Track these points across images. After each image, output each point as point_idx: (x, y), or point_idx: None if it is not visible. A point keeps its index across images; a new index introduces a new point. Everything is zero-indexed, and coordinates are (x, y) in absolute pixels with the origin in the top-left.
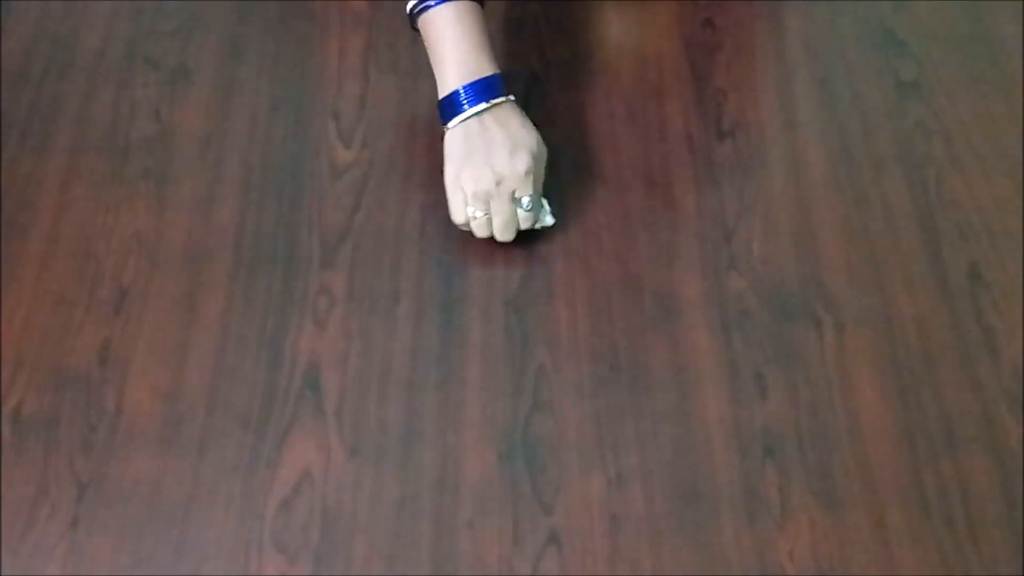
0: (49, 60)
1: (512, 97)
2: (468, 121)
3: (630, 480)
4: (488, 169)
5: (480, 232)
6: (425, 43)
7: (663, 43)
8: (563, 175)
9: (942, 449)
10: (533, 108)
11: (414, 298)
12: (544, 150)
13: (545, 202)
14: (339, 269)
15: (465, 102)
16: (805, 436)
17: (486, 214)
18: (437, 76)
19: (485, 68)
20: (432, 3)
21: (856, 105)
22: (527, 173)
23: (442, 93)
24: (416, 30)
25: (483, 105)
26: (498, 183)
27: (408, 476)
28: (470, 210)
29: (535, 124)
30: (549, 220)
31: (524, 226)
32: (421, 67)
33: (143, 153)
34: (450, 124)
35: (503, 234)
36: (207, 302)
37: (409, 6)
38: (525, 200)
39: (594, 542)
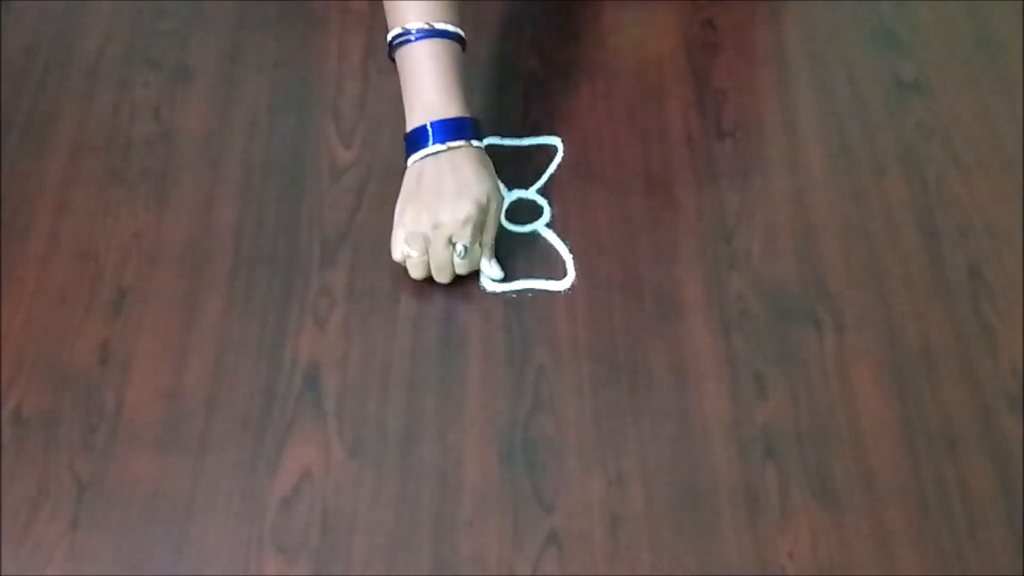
0: (49, 60)
1: (479, 144)
2: (426, 160)
3: (630, 480)
4: (428, 211)
5: (414, 272)
6: (400, 76)
7: (663, 43)
8: (563, 175)
9: (942, 449)
10: (533, 108)
11: (414, 298)
12: (497, 201)
13: (493, 258)
14: (339, 269)
15: (430, 138)
16: (805, 436)
17: (422, 255)
18: (407, 110)
19: (456, 109)
20: (412, 38)
21: (856, 105)
22: (466, 221)
23: (409, 127)
24: (393, 60)
25: (445, 145)
26: (435, 227)
27: (408, 476)
28: (405, 248)
29: (536, 122)
30: (495, 274)
31: (461, 271)
32: None
33: (143, 153)
34: (411, 159)
35: (438, 276)
36: (207, 302)
37: (389, 37)
38: (459, 247)
39: (594, 542)
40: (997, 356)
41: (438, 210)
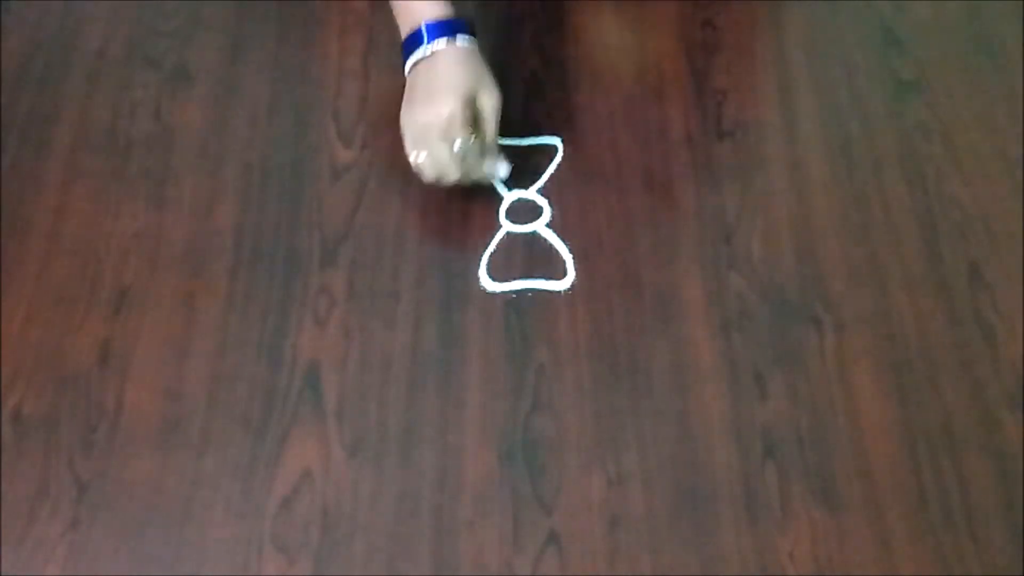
0: (49, 60)
1: (471, 41)
2: (418, 65)
3: (630, 480)
4: (417, 113)
5: (426, 175)
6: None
7: (663, 43)
8: (563, 175)
9: (942, 449)
10: (533, 108)
11: (414, 298)
12: (491, 97)
13: (500, 160)
14: (339, 269)
15: (424, 38)
16: (805, 436)
17: (425, 157)
18: (400, 26)
19: (445, 10)
20: None
21: (856, 105)
22: (451, 117)
23: (403, 36)
24: None
25: (436, 46)
26: (424, 127)
27: (408, 476)
28: (412, 153)
29: (536, 122)
30: (500, 170)
31: (468, 171)
32: None
33: (143, 153)
34: (407, 67)
35: (444, 177)
36: (207, 302)
37: None
38: (456, 144)
39: (594, 542)
40: (997, 356)
41: (425, 110)
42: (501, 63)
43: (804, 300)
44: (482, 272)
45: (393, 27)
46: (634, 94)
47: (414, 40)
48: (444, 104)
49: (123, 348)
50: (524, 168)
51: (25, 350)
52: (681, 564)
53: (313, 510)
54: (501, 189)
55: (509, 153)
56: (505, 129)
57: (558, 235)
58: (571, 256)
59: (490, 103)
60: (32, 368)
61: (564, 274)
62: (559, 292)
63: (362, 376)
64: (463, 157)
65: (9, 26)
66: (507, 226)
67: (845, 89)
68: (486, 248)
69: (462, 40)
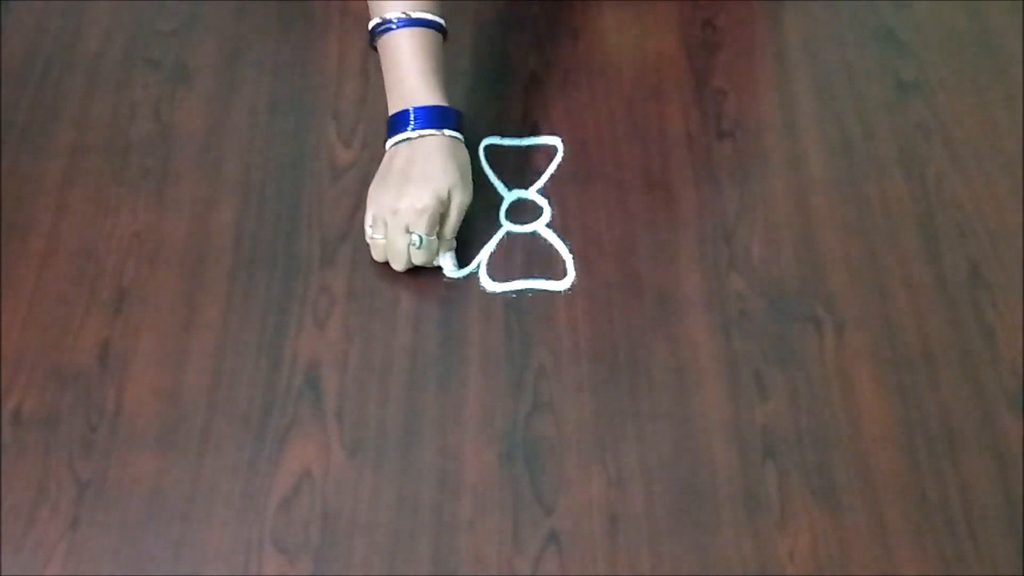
0: (49, 60)
1: (456, 135)
2: (400, 145)
3: (630, 480)
4: (390, 196)
5: (374, 254)
6: (382, 64)
7: (663, 43)
8: (563, 175)
9: (942, 449)
10: (533, 108)
11: (414, 298)
12: (462, 196)
13: (451, 252)
14: (339, 269)
15: (410, 123)
16: (805, 436)
17: (382, 238)
18: (389, 97)
19: (437, 97)
20: (393, 27)
21: (856, 105)
22: (422, 211)
23: (392, 111)
24: (375, 49)
25: (417, 133)
26: (393, 212)
27: (408, 476)
28: (369, 230)
29: (536, 122)
30: (450, 268)
31: (417, 261)
32: None
33: (143, 153)
34: (388, 143)
35: (393, 262)
36: (207, 302)
37: (370, 25)
38: (415, 236)
39: (594, 542)
40: (997, 356)
41: (399, 197)
42: (501, 63)
43: (804, 300)
44: (482, 272)
45: None
46: (634, 94)
47: (401, 120)
48: (419, 198)
49: (123, 348)
50: (524, 168)
51: (25, 350)
52: (681, 564)
53: (313, 510)
54: (461, 273)
55: (510, 153)
56: (505, 129)
57: (558, 235)
58: (571, 256)
59: (460, 200)
60: (32, 368)
61: (564, 274)
62: (559, 292)
63: (362, 376)
64: (417, 250)
65: (9, 26)
66: (507, 226)
67: (845, 89)
68: (486, 248)
69: (450, 133)
